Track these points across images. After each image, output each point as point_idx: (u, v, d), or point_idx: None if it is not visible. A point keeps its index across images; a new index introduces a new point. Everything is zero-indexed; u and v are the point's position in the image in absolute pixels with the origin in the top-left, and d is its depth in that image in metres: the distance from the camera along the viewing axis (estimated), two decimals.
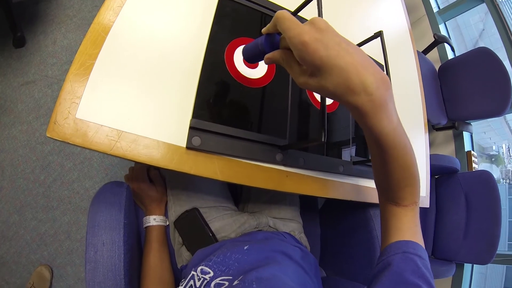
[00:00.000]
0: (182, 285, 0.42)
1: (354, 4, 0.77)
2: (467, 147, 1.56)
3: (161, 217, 0.60)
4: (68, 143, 0.34)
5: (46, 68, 1.21)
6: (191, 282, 0.41)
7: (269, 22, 0.34)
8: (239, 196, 0.76)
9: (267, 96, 0.49)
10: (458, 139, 1.59)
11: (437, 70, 1.53)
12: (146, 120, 0.38)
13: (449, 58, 1.62)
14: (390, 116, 0.30)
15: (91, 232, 0.39)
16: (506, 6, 1.56)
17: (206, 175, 0.41)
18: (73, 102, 0.35)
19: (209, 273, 0.42)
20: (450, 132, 1.63)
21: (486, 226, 1.03)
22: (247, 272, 0.39)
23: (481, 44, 2.14)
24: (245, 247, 0.46)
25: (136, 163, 0.58)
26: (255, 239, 0.54)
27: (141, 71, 0.40)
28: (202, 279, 0.41)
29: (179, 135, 0.40)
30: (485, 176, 1.09)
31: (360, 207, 0.70)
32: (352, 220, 0.74)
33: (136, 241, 0.53)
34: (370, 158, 0.41)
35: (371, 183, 0.62)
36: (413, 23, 1.87)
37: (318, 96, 0.57)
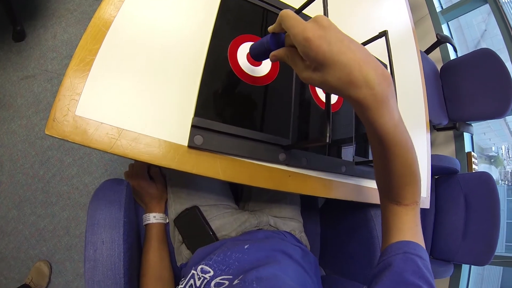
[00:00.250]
0: (182, 284, 0.41)
1: (357, 2, 0.76)
2: (468, 148, 1.56)
3: (161, 215, 0.60)
4: (68, 140, 0.33)
5: (46, 62, 1.20)
6: (191, 281, 0.41)
7: (272, 19, 0.34)
8: (239, 194, 0.75)
9: (271, 94, 0.49)
10: (459, 139, 1.59)
11: (439, 70, 1.52)
12: (147, 118, 0.38)
13: (451, 59, 1.61)
14: (391, 112, 0.30)
15: (90, 230, 0.39)
16: (509, 7, 1.55)
17: (208, 175, 0.40)
18: (73, 99, 0.34)
19: (209, 272, 0.42)
20: (450, 133, 1.63)
21: (485, 228, 1.03)
22: (247, 272, 0.39)
23: (483, 45, 2.13)
24: (246, 246, 0.46)
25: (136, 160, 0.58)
26: (256, 238, 0.53)
27: (142, 68, 0.39)
28: (202, 278, 0.41)
29: (180, 133, 0.39)
30: (485, 177, 1.09)
31: (360, 207, 0.70)
32: (352, 219, 0.74)
33: (135, 239, 0.52)
34: (372, 156, 0.40)
35: (373, 184, 0.62)
36: (416, 23, 1.86)
37: (322, 96, 0.56)
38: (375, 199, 0.62)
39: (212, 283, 0.39)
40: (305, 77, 0.32)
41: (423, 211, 1.18)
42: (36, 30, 1.22)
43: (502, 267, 1.60)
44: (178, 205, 0.58)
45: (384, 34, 0.53)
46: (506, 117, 1.41)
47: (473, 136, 1.61)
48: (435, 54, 1.64)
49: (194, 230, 0.55)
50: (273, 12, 0.53)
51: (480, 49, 1.34)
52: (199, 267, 0.43)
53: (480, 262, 1.03)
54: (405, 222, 0.38)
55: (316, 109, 0.55)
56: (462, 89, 1.40)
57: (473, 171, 1.48)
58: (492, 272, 1.73)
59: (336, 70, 0.28)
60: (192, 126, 0.40)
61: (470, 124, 1.46)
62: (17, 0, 1.17)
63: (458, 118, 1.41)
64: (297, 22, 0.30)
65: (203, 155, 0.41)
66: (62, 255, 1.07)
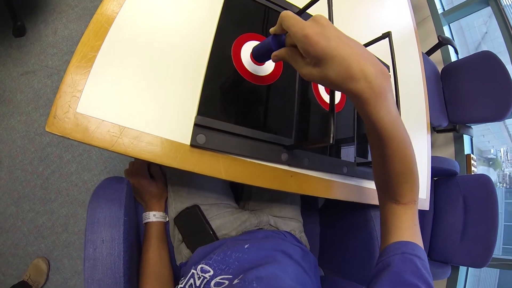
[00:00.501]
0: (182, 284, 0.41)
1: (359, 3, 0.75)
2: (467, 150, 1.56)
3: (161, 213, 0.59)
4: (68, 138, 0.33)
5: (46, 58, 1.19)
6: (191, 280, 0.41)
7: (276, 19, 0.35)
8: (240, 193, 0.75)
9: (274, 94, 0.48)
10: (458, 141, 1.59)
11: (439, 72, 1.52)
12: (149, 116, 0.37)
13: (452, 61, 1.61)
14: (389, 106, 0.31)
15: (90, 229, 0.39)
16: (511, 10, 1.55)
17: (210, 174, 0.40)
18: (74, 96, 0.34)
19: (209, 271, 0.42)
20: (450, 135, 1.64)
21: (483, 230, 1.03)
22: (247, 271, 0.38)
23: (483, 47, 2.13)
24: (246, 246, 0.46)
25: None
26: (256, 238, 0.53)
27: (145, 65, 0.39)
28: (202, 277, 0.41)
29: (183, 132, 0.39)
30: (484, 180, 1.09)
31: (360, 208, 0.70)
32: (352, 220, 0.74)
33: (135, 238, 0.52)
34: (370, 153, 0.41)
35: (373, 185, 0.62)
36: (417, 24, 1.84)
37: (324, 96, 0.56)
38: (376, 200, 0.61)
39: (212, 283, 0.39)
40: (306, 73, 0.33)
41: (421, 212, 1.18)
42: (36, 25, 1.21)
43: (498, 270, 1.60)
44: (178, 203, 0.58)
45: (387, 35, 0.53)
46: (506, 120, 1.41)
47: (473, 138, 1.61)
48: (436, 56, 1.64)
49: (194, 229, 0.55)
50: (277, 11, 0.53)
51: (481, 51, 1.34)
52: (199, 266, 0.43)
53: (478, 264, 1.04)
54: (404, 221, 0.39)
55: (318, 109, 0.55)
56: (462, 91, 1.40)
57: (472, 173, 1.49)
58: (489, 274, 1.74)
59: (335, 64, 0.29)
60: (195, 124, 0.39)
61: (470, 127, 1.46)
62: None
63: (458, 120, 1.41)
64: (296, 21, 0.32)
65: (205, 154, 0.40)
66: (60, 252, 1.07)
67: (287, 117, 0.49)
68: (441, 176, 1.25)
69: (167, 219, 0.61)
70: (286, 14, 0.33)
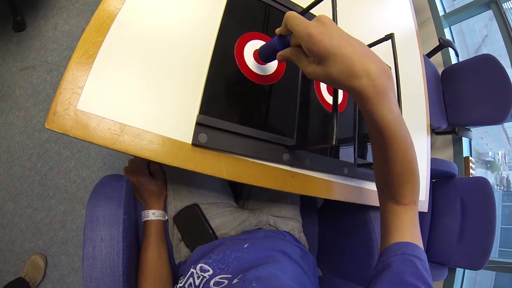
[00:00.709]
0: (181, 283, 0.41)
1: (362, 3, 0.75)
2: (466, 152, 1.57)
3: (160, 212, 0.59)
4: (68, 135, 0.32)
5: (46, 53, 1.18)
6: (190, 280, 0.41)
7: (279, 18, 0.36)
8: (239, 192, 0.75)
9: (276, 94, 0.48)
10: (457, 144, 1.60)
11: (440, 74, 1.52)
12: (150, 114, 0.37)
13: (453, 63, 1.61)
14: (391, 105, 0.32)
15: (89, 227, 0.38)
16: None
17: (212, 174, 0.40)
18: (74, 93, 0.34)
19: (208, 271, 0.41)
20: (449, 137, 1.64)
21: (480, 232, 1.04)
22: (246, 271, 0.38)
23: (484, 50, 2.14)
24: (245, 245, 0.46)
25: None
26: (255, 238, 0.53)
27: (147, 63, 0.38)
28: (201, 277, 0.41)
29: (184, 131, 0.39)
30: (482, 182, 1.09)
31: (359, 208, 0.70)
32: (351, 220, 0.74)
33: (134, 236, 0.52)
34: (372, 156, 0.41)
35: (374, 186, 0.62)
36: (418, 26, 1.85)
37: (327, 97, 0.56)
38: (376, 201, 0.62)
39: (211, 282, 0.39)
40: (309, 71, 0.34)
41: (420, 214, 1.18)
42: (36, 20, 1.20)
43: (494, 272, 1.61)
44: (178, 202, 0.58)
45: (390, 37, 0.53)
46: (504, 123, 1.42)
47: (471, 141, 1.62)
48: (437, 58, 1.64)
49: (193, 228, 0.55)
50: (280, 11, 0.52)
51: (482, 54, 1.35)
52: (199, 265, 0.42)
53: (475, 267, 1.04)
54: (404, 221, 0.39)
55: (321, 110, 0.54)
56: (462, 94, 1.40)
57: (470, 176, 1.49)
58: (485, 277, 1.75)
59: (338, 62, 0.30)
60: (197, 123, 0.39)
61: (469, 129, 1.47)
62: None
63: (457, 123, 1.41)
64: (300, 20, 0.32)
65: (207, 153, 0.40)
66: (58, 248, 1.06)
67: (289, 117, 0.49)
68: (439, 178, 1.25)
69: (166, 218, 0.60)
70: (290, 14, 0.34)
